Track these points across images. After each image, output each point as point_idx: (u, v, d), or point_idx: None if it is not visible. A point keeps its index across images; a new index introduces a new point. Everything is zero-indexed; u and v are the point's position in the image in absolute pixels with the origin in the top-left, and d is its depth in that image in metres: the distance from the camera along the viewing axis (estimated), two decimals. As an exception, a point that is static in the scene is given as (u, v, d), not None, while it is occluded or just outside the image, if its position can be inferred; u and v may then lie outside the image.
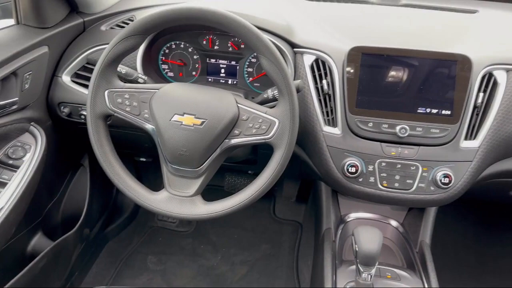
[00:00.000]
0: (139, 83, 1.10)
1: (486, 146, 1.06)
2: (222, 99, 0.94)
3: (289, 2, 1.36)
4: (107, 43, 0.95)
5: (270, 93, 1.02)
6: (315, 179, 1.35)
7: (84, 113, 1.27)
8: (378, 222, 1.36)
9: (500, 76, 1.08)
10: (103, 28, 1.32)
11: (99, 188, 1.70)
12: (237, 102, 0.94)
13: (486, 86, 1.08)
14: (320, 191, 1.34)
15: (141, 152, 1.76)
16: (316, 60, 1.13)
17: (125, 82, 1.00)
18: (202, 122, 0.92)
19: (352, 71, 1.07)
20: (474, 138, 1.07)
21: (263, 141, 0.93)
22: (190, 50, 1.27)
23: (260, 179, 0.94)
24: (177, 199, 0.97)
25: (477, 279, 1.76)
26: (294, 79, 1.14)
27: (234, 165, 1.46)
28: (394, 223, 1.35)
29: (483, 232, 1.98)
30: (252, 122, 0.93)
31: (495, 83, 1.08)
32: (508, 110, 1.06)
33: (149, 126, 0.97)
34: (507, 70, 1.08)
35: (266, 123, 0.92)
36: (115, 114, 0.96)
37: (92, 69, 1.15)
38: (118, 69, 1.05)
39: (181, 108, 0.93)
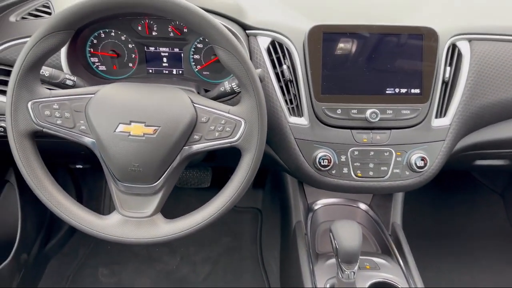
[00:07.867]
0: (67, 86, 0.90)
1: (457, 123, 1.01)
2: (175, 100, 0.80)
3: None
4: (22, 37, 0.76)
5: (227, 85, 0.88)
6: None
7: (3, 124, 1.05)
8: (347, 206, 1.30)
9: (464, 46, 1.03)
10: (12, 18, 1.08)
11: (32, 205, 1.47)
12: (192, 102, 0.80)
13: (451, 59, 1.03)
14: (286, 183, 1.25)
15: (76, 159, 1.54)
16: (272, 42, 1.01)
17: (51, 87, 0.82)
18: (155, 131, 0.77)
19: (314, 53, 0.96)
20: (444, 116, 1.02)
21: (229, 145, 0.81)
22: (123, 38, 1.08)
23: (229, 187, 0.82)
24: (133, 222, 0.82)
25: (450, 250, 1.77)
26: None
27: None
28: (363, 206, 1.30)
29: (446, 200, 2.02)
30: (214, 124, 0.80)
31: (460, 55, 1.03)
32: (475, 82, 1.02)
33: (88, 140, 0.80)
34: (469, 40, 1.04)
35: (230, 124, 0.80)
36: (44, 129, 0.79)
37: (6, 70, 0.94)
38: (41, 71, 0.85)
39: (126, 116, 0.77)
